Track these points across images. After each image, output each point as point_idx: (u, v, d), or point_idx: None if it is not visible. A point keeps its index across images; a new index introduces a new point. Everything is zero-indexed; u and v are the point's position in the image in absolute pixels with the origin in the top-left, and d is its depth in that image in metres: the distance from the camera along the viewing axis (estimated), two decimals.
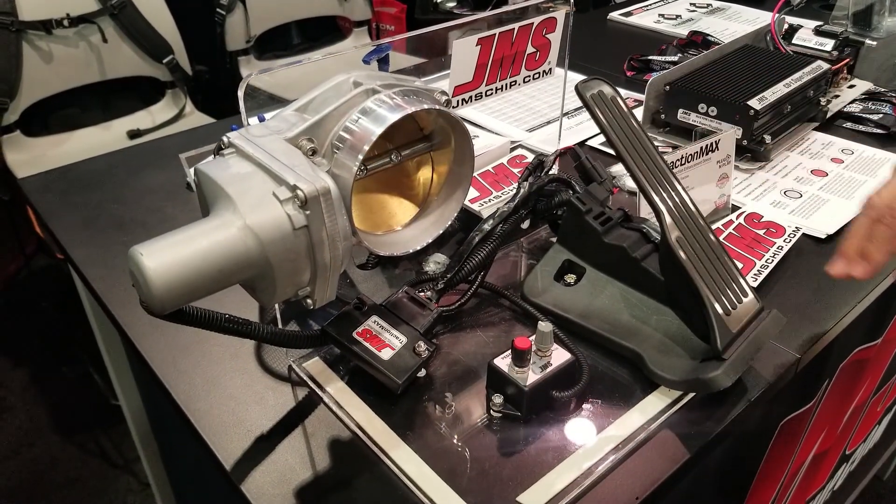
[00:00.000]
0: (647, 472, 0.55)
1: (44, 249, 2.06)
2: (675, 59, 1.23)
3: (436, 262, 0.77)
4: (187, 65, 1.97)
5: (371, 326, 0.62)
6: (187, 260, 0.41)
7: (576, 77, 0.67)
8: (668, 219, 0.62)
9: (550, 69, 0.74)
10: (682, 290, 0.62)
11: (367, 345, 0.60)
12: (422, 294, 0.67)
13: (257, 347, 0.67)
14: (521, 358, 0.58)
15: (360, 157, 0.50)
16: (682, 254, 0.61)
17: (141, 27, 1.85)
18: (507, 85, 0.70)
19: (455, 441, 0.57)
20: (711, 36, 1.30)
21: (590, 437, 0.57)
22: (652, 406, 0.60)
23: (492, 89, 0.69)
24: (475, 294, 0.70)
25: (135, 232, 0.84)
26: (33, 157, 1.81)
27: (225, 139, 0.50)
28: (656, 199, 0.62)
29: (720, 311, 0.60)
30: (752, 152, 0.95)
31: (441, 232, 0.59)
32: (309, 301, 0.49)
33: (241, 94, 0.51)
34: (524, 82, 0.72)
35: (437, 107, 0.53)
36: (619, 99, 0.66)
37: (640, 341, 0.63)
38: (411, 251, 0.57)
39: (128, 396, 1.08)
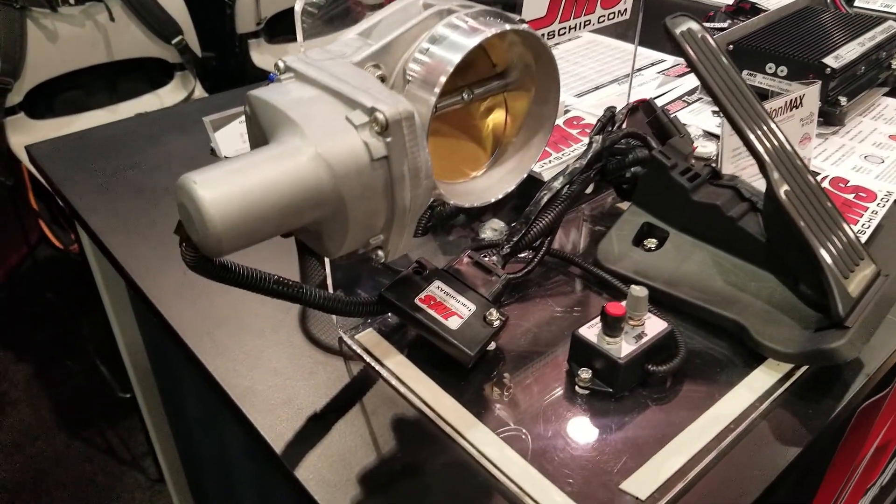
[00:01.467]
0: (766, 457, 0.47)
1: (47, 240, 1.99)
2: (724, 25, 1.15)
3: (492, 229, 0.69)
4: (197, 46, 1.89)
5: (434, 292, 0.54)
6: (250, 190, 0.34)
7: (622, 46, 0.59)
8: (774, 171, 0.54)
9: (626, 10, 0.66)
10: (792, 252, 0.55)
11: (432, 312, 0.53)
12: (486, 259, 0.59)
13: (302, 318, 0.59)
14: (613, 326, 0.50)
15: (438, 89, 0.42)
16: (793, 210, 0.53)
17: (149, 5, 1.78)
18: (581, 24, 0.62)
19: (538, 420, 0.49)
20: (760, 4, 1.23)
21: (694, 417, 0.50)
22: (760, 382, 0.52)
23: (565, 28, 0.61)
24: (542, 262, 0.62)
25: (157, 198, 0.76)
26: (37, 139, 1.73)
27: (281, 63, 0.42)
28: (759, 147, 0.55)
29: (839, 274, 0.53)
30: (825, 116, 0.87)
31: (522, 179, 0.51)
32: (380, 252, 0.42)
33: (298, 9, 0.43)
34: (598, 22, 0.64)
35: (525, 27, 0.45)
36: (708, 37, 0.59)
37: (741, 310, 0.56)
38: (490, 201, 0.49)
39: (142, 384, 1.01)
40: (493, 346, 0.55)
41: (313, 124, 0.37)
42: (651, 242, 0.63)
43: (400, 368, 0.53)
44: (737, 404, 0.51)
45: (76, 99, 1.83)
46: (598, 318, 0.52)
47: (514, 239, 0.60)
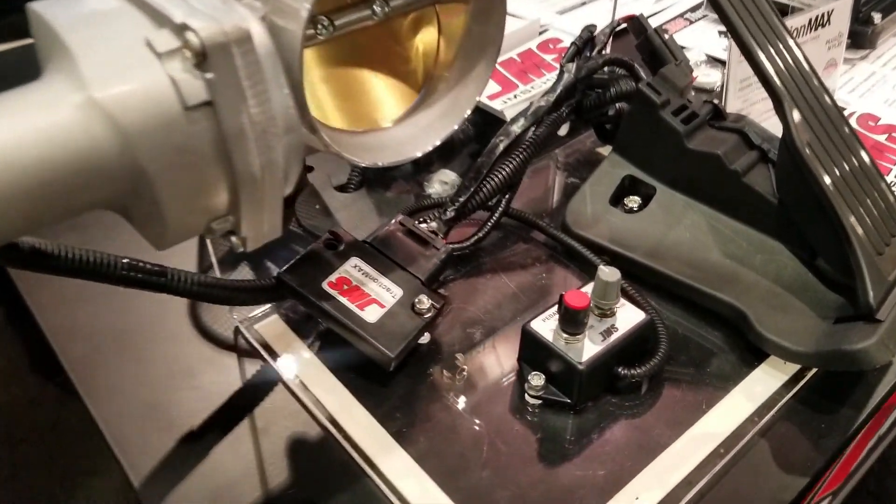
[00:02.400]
0: (764, 491, 0.36)
1: None
2: None
3: (442, 182, 0.57)
4: None
5: (350, 273, 0.42)
6: None
7: None
8: (794, 110, 0.41)
9: None
10: (811, 218, 0.42)
11: (343, 301, 0.41)
12: (424, 226, 0.47)
13: (192, 302, 0.47)
14: (573, 322, 0.38)
15: None
16: (816, 163, 0.40)
17: None
18: None
19: (473, 443, 0.38)
20: None
21: (674, 437, 0.38)
22: (760, 386, 0.41)
23: None
24: (498, 225, 0.50)
25: None
26: None
27: None
28: (776, 77, 0.41)
29: (871, 249, 0.40)
30: (854, 36, 0.72)
31: (454, 129, 0.39)
32: (234, 239, 0.29)
33: None
34: None
35: None
36: None
37: (741, 292, 0.44)
38: (407, 159, 0.37)
39: None
40: (426, 338, 0.44)
41: (93, 54, 0.24)
42: (633, 201, 0.51)
43: (306, 370, 0.42)
44: (730, 419, 0.39)
45: None
46: (557, 305, 0.40)
47: (461, 199, 0.47)
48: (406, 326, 0.41)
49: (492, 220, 0.50)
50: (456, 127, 0.38)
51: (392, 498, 0.36)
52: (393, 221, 0.46)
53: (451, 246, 0.48)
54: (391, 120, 0.39)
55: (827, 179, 0.41)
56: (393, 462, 0.37)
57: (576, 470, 0.37)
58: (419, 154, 0.37)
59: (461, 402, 0.40)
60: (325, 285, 0.41)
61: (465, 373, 0.42)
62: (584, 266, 0.49)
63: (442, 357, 0.43)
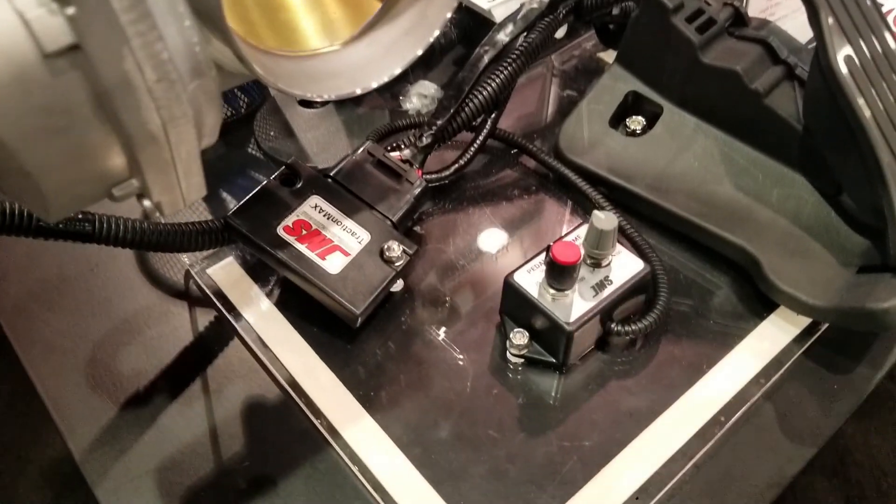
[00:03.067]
0: (768, 464, 0.33)
1: None
2: None
3: (420, 96, 0.50)
4: None
5: (309, 216, 0.37)
6: None
7: None
8: (830, 17, 0.34)
9: None
10: (841, 148, 0.37)
11: (301, 248, 0.36)
12: (396, 155, 0.41)
13: None
14: (561, 277, 0.33)
15: None
16: (852, 86, 0.34)
17: None
18: None
19: (448, 410, 0.34)
20: None
21: (670, 401, 0.35)
22: (768, 342, 0.37)
23: None
24: (483, 148, 0.44)
25: None
26: None
27: None
28: None
29: None
30: None
31: (421, 52, 0.32)
32: (147, 204, 0.24)
33: None
34: None
35: None
36: None
37: (753, 233, 0.39)
38: (363, 89, 0.31)
39: None
40: (399, 286, 0.39)
41: None
42: (636, 122, 0.44)
43: (263, 323, 0.38)
44: (732, 380, 0.35)
45: None
46: (544, 254, 0.35)
47: (438, 123, 0.41)
48: (374, 278, 0.36)
49: (475, 146, 0.44)
50: (422, 50, 0.31)
51: (357, 472, 0.32)
52: (359, 150, 0.40)
53: (427, 177, 0.42)
54: (343, 39, 0.32)
55: (864, 106, 0.34)
56: (359, 431, 0.34)
57: (559, 440, 0.33)
58: (377, 83, 0.30)
59: (436, 362, 0.36)
60: (280, 230, 0.36)
61: (443, 330, 0.38)
62: (580, 198, 0.43)
63: (417, 308, 0.39)
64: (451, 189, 0.45)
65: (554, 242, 0.33)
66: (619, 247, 0.36)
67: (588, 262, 0.35)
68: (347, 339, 0.37)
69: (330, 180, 0.39)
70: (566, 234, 0.37)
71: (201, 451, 0.34)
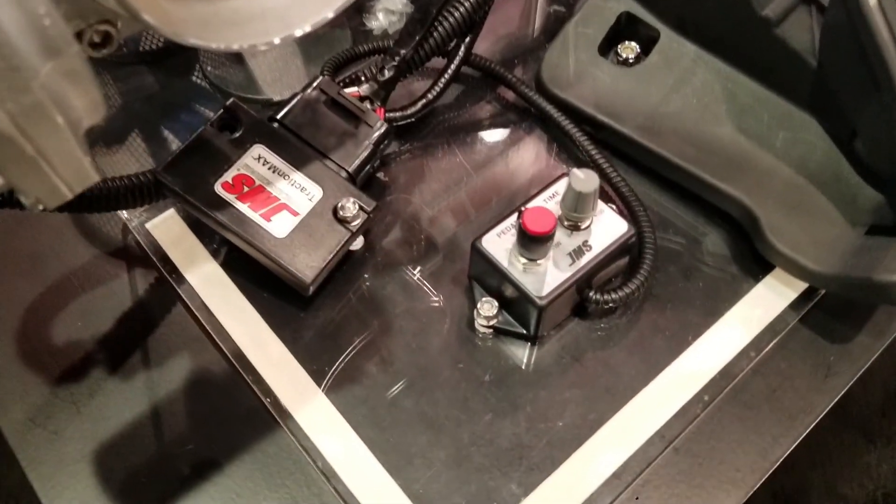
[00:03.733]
0: (752, 445, 0.31)
1: None
2: None
3: (388, 13, 0.45)
4: None
5: (252, 169, 0.33)
6: None
7: None
8: None
9: None
10: (859, 89, 0.32)
11: (243, 208, 0.32)
12: (353, 91, 0.36)
13: None
14: (533, 247, 0.30)
15: None
16: (881, 21, 0.29)
17: None
18: None
19: (409, 388, 0.32)
20: None
21: (650, 376, 0.32)
22: (761, 309, 0.34)
23: None
24: (455, 79, 0.39)
25: None
26: None
27: None
28: None
29: None
30: None
31: None
32: (25, 200, 0.20)
33: None
34: None
35: None
36: None
37: (754, 184, 0.34)
38: (288, 36, 0.25)
39: None
40: (359, 243, 0.35)
41: None
42: (629, 49, 0.39)
43: (207, 287, 0.34)
44: (720, 352, 0.32)
45: None
46: (515, 217, 0.31)
47: (402, 53, 0.36)
48: (327, 241, 0.32)
49: (446, 76, 0.39)
50: None
51: (308, 456, 0.30)
52: (311, 87, 0.35)
53: (390, 116, 0.37)
54: None
55: (892, 42, 0.29)
56: (311, 411, 0.31)
57: (529, 421, 0.31)
58: (309, 27, 0.25)
59: (397, 332, 0.33)
60: (218, 187, 0.32)
61: (406, 295, 0.34)
62: (565, 138, 0.39)
63: (378, 269, 0.35)
64: (420, 126, 0.40)
65: (525, 207, 0.29)
66: (600, 205, 0.32)
67: (565, 224, 0.31)
68: (300, 306, 0.34)
69: (276, 125, 0.34)
70: (543, 190, 0.33)
71: (142, 433, 0.31)
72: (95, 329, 0.34)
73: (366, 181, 0.36)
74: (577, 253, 0.31)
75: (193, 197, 0.32)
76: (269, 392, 0.31)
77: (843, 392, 0.31)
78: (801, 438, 0.30)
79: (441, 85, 0.39)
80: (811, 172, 0.34)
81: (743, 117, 0.36)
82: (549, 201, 0.32)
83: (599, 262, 0.31)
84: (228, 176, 0.32)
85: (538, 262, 0.30)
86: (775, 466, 0.30)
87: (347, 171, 0.34)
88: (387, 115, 0.37)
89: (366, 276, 0.35)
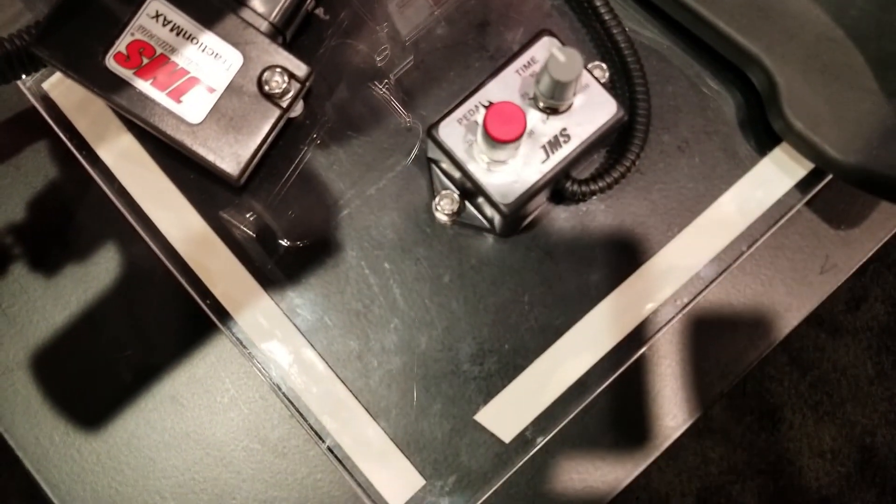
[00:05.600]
0: (733, 345, 0.29)
1: None
2: None
3: None
4: None
5: (151, 32, 0.26)
6: None
7: None
8: None
9: None
10: None
11: (143, 86, 0.26)
12: None
13: None
14: (499, 150, 0.25)
15: None
16: None
17: None
18: None
19: (359, 288, 0.29)
20: None
21: (621, 276, 0.29)
22: (764, 189, 0.29)
23: None
24: None
25: None
26: None
27: None
28: None
29: None
30: None
31: None
32: None
33: None
34: None
35: None
36: None
37: (777, 37, 0.28)
38: None
39: None
40: (298, 109, 0.29)
41: None
42: None
43: (123, 165, 0.30)
44: (705, 246, 0.29)
45: None
46: (477, 107, 0.26)
47: None
48: (253, 122, 0.27)
49: None
50: None
51: (255, 365, 0.28)
52: None
53: None
54: None
55: None
56: (254, 314, 0.28)
57: (491, 325, 0.28)
58: None
59: (347, 219, 0.29)
60: (109, 60, 0.26)
61: (356, 172, 0.30)
62: None
63: (323, 139, 0.30)
64: None
65: (489, 106, 0.23)
66: (585, 76, 0.26)
67: (540, 106, 0.26)
68: (236, 188, 0.29)
69: None
70: (517, 56, 0.26)
71: (76, 337, 0.29)
72: (5, 216, 0.30)
73: (301, 22, 0.29)
74: (553, 145, 0.26)
75: (80, 75, 0.25)
76: (206, 293, 0.29)
77: (829, 294, 0.29)
78: (779, 341, 0.29)
79: None
80: (850, 22, 0.28)
81: None
82: (524, 72, 0.26)
83: (579, 155, 0.26)
84: (121, 44, 0.26)
85: (504, 161, 0.25)
86: (748, 370, 0.28)
87: (271, 24, 0.27)
88: None
89: (308, 150, 0.30)
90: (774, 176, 0.29)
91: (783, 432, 0.82)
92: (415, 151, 0.29)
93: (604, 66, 0.28)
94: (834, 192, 0.30)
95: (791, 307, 0.29)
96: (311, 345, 0.28)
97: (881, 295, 0.84)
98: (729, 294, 0.29)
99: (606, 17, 0.29)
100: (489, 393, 0.28)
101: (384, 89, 0.30)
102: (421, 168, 0.29)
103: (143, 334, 0.29)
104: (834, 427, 0.82)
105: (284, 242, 0.29)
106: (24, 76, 0.27)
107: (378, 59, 0.30)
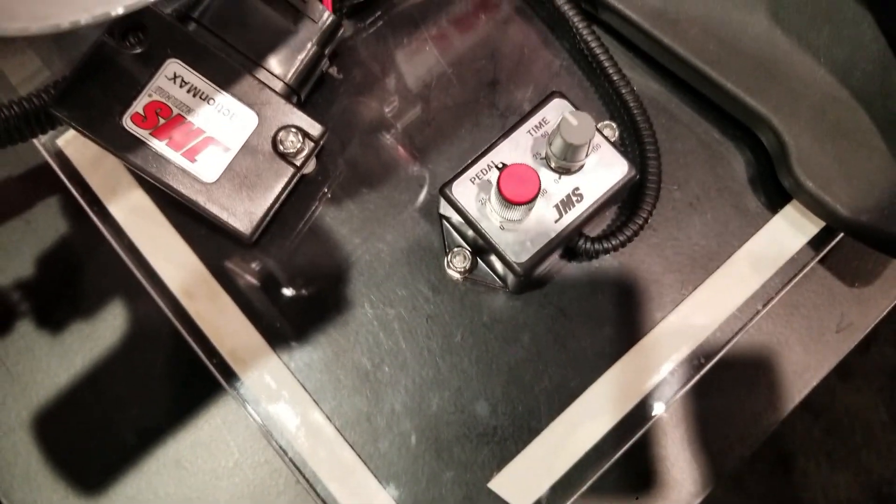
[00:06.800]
0: (750, 409, 0.28)
1: None
2: None
3: None
4: None
5: (168, 93, 0.26)
6: None
7: None
8: None
9: None
10: None
11: (159, 146, 0.26)
12: None
13: None
14: (513, 211, 0.25)
15: None
16: None
17: None
18: None
19: (373, 347, 0.28)
20: None
21: (643, 328, 0.29)
22: (776, 247, 0.29)
23: None
24: None
25: None
26: None
27: None
28: None
29: None
30: None
31: None
32: None
33: None
34: None
35: None
36: None
37: (784, 98, 0.28)
38: (105, 16, 0.18)
39: None
40: (311, 166, 0.30)
41: None
42: None
43: (134, 221, 0.30)
44: (721, 304, 0.29)
45: None
46: (492, 169, 0.26)
47: None
48: (267, 181, 0.27)
49: None
50: None
51: (261, 427, 0.28)
52: None
53: (341, 4, 0.30)
54: None
55: None
56: (263, 375, 0.28)
57: (504, 385, 0.28)
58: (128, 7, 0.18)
59: (357, 275, 0.29)
60: (126, 121, 0.26)
61: (368, 229, 0.30)
62: (560, 20, 0.31)
63: (335, 195, 0.30)
64: (379, 1, 0.32)
65: (503, 168, 0.24)
66: (595, 137, 0.26)
67: (552, 166, 0.26)
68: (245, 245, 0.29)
69: (193, 26, 0.27)
70: (529, 116, 0.27)
71: (81, 397, 0.29)
72: (14, 272, 0.30)
73: (315, 82, 0.30)
74: (566, 204, 0.26)
75: (97, 135, 0.26)
76: (213, 352, 0.28)
77: (846, 353, 0.28)
78: (800, 401, 0.28)
79: None
80: (856, 83, 0.28)
81: (782, 3, 0.29)
82: (536, 132, 0.26)
83: (592, 214, 0.26)
84: (139, 105, 0.26)
85: (518, 220, 0.25)
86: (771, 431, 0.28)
87: (287, 84, 0.28)
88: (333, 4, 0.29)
89: (320, 205, 0.30)
90: (787, 233, 0.29)
91: (797, 480, 0.80)
92: (423, 199, 0.29)
93: (613, 125, 0.28)
94: (847, 249, 0.30)
95: (809, 366, 0.28)
96: (319, 406, 0.28)
97: (891, 336, 0.84)
98: (745, 354, 0.29)
99: (615, 77, 0.30)
100: (503, 458, 0.27)
101: (396, 143, 0.30)
102: (433, 224, 0.29)
103: (147, 394, 0.28)
104: (849, 475, 0.80)
105: (294, 299, 0.29)
106: (41, 135, 0.27)
107: (389, 114, 0.31)
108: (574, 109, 0.26)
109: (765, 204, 0.30)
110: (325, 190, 0.30)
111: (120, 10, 0.18)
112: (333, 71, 0.31)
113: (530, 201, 0.23)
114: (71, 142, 0.30)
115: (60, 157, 0.30)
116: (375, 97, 0.31)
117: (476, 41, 0.31)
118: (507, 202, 0.24)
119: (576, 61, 0.31)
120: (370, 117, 0.31)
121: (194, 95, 0.26)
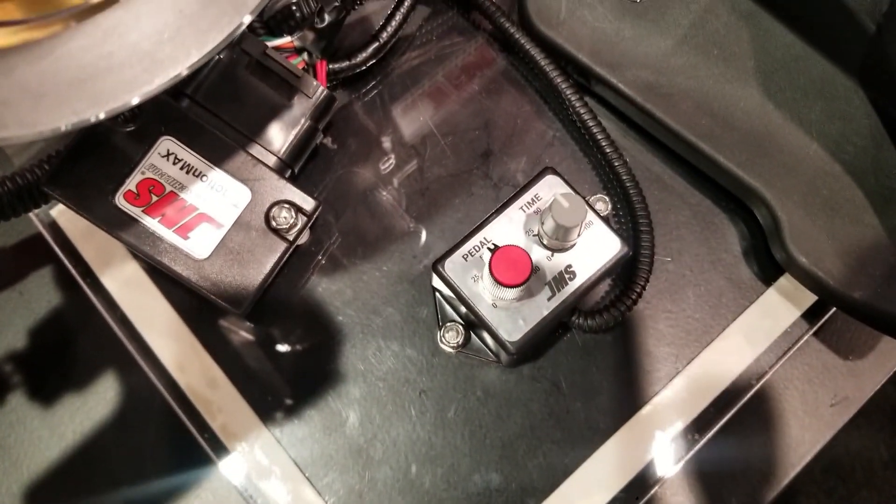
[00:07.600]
0: (746, 480, 0.28)
1: None
2: None
3: None
4: None
5: (161, 171, 0.26)
6: None
7: None
8: None
9: None
10: None
11: (152, 224, 0.26)
12: (286, 42, 0.28)
13: None
14: (505, 292, 0.24)
15: None
16: None
17: None
18: None
19: (365, 422, 0.28)
20: None
21: (636, 403, 0.28)
22: (769, 321, 0.29)
23: None
24: (414, 8, 0.31)
25: None
26: None
27: None
28: None
29: None
30: None
31: (237, 29, 0.19)
32: None
33: None
34: None
35: None
36: None
37: (777, 172, 0.28)
38: (121, 107, 0.18)
39: None
40: (304, 237, 0.30)
41: None
42: None
43: (127, 293, 0.29)
44: (717, 375, 0.29)
45: None
46: (484, 249, 0.26)
47: None
48: (259, 257, 0.27)
49: (402, 9, 0.31)
50: (243, 23, 0.18)
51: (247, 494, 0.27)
52: (228, 50, 0.28)
53: (335, 68, 0.30)
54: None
55: None
56: (254, 452, 0.28)
57: (499, 461, 0.28)
58: (174, 74, 0.18)
59: (350, 350, 0.29)
60: (119, 199, 0.26)
61: (360, 300, 0.30)
62: (552, 91, 0.32)
63: (327, 267, 0.30)
64: (372, 73, 0.32)
65: (496, 249, 0.24)
66: (589, 215, 0.26)
67: (545, 242, 0.26)
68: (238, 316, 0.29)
69: (186, 102, 0.27)
70: (521, 192, 0.27)
71: (74, 473, 0.28)
72: (6, 343, 0.29)
73: (306, 163, 0.30)
74: (559, 281, 0.26)
75: (90, 214, 0.26)
76: (205, 426, 0.28)
77: (842, 425, 0.28)
78: (792, 477, 0.28)
79: (397, 21, 0.31)
80: (848, 158, 0.28)
81: (774, 78, 0.29)
82: (528, 209, 0.27)
83: (585, 291, 0.26)
84: (131, 182, 0.26)
85: (510, 301, 0.25)
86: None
87: (280, 159, 0.28)
88: (329, 67, 0.30)
89: (313, 275, 0.30)
90: (780, 306, 0.29)
91: None
92: (417, 270, 0.29)
93: (606, 198, 0.28)
94: (841, 322, 0.29)
95: (804, 441, 0.28)
96: (311, 483, 0.27)
97: (892, 375, 0.83)
98: (740, 428, 0.28)
99: (607, 150, 0.30)
100: None
101: (390, 213, 0.30)
102: (426, 295, 0.29)
103: (138, 468, 0.28)
104: None
105: (285, 372, 0.29)
106: (34, 209, 0.27)
107: (383, 184, 0.31)
108: (566, 190, 0.26)
109: (758, 276, 0.30)
110: (320, 258, 0.30)
111: (102, 116, 0.18)
112: (328, 142, 0.31)
113: (521, 284, 0.23)
114: (64, 212, 0.30)
115: (54, 227, 0.30)
116: (369, 167, 0.31)
117: (470, 111, 0.32)
118: (500, 284, 0.23)
119: (569, 132, 0.31)
120: (364, 187, 0.31)
121: (187, 172, 0.26)
